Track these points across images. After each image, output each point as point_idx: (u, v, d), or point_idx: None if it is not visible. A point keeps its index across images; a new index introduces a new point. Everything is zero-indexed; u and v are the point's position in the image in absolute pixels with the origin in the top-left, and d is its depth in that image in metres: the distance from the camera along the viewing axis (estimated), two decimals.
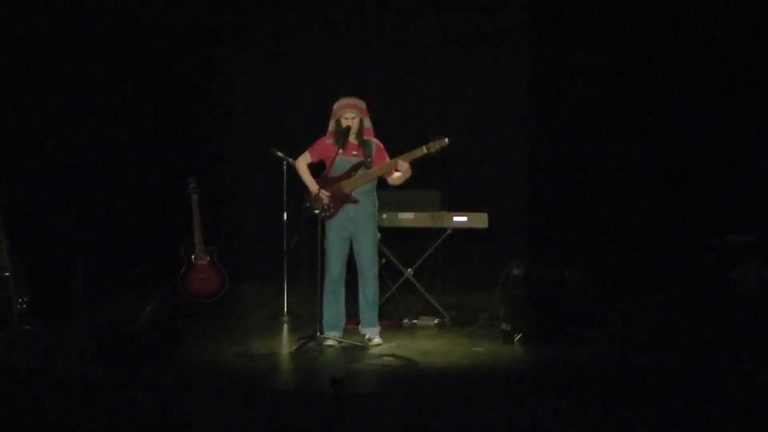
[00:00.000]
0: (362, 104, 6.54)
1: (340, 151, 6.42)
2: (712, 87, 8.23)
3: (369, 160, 6.49)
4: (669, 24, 8.33)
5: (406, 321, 7.33)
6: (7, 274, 6.94)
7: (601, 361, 6.02)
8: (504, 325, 6.66)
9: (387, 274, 7.34)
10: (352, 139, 6.47)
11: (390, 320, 7.20)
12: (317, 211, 6.38)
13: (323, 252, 6.46)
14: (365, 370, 5.91)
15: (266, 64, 9.00)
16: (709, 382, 5.49)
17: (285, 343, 6.75)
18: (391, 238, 7.44)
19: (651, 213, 8.36)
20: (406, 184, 6.66)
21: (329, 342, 6.44)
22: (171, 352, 6.02)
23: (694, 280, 7.79)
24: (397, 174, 6.51)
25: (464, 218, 7.41)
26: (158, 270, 8.26)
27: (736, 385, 5.39)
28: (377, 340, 6.57)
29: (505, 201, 8.65)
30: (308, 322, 7.06)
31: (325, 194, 6.40)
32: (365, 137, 6.52)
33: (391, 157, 6.52)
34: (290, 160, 7.12)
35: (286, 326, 7.33)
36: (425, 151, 6.37)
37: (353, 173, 6.49)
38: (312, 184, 6.51)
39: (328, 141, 6.54)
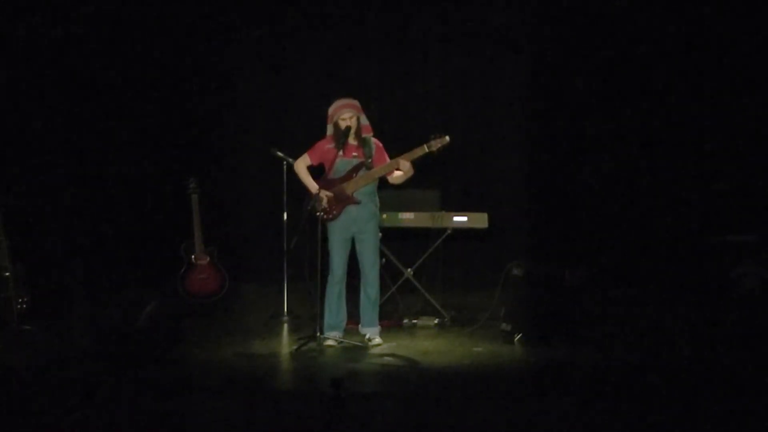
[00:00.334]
0: (356, 103, 6.53)
1: (340, 153, 6.42)
2: (712, 87, 8.23)
3: (369, 160, 6.49)
4: (669, 23, 8.33)
5: (406, 321, 7.32)
6: (7, 274, 6.93)
7: (601, 361, 6.01)
8: (504, 325, 6.66)
9: (387, 274, 7.34)
10: (351, 139, 6.47)
11: (390, 320, 7.20)
12: (319, 213, 6.38)
13: (324, 253, 6.46)
14: (365, 370, 5.91)
15: (266, 64, 9.00)
16: (709, 382, 5.49)
17: (285, 343, 6.75)
18: (391, 238, 7.44)
19: (651, 213, 8.36)
20: (407, 184, 6.65)
21: (329, 342, 6.44)
22: (171, 352, 6.02)
23: (694, 280, 7.80)
24: (398, 173, 6.50)
25: (464, 218, 7.41)
26: (158, 270, 8.26)
27: (736, 385, 5.39)
28: (377, 340, 6.57)
29: (505, 201, 8.66)
30: (308, 322, 7.07)
31: (325, 194, 6.40)
32: (364, 135, 6.52)
33: (391, 156, 6.52)
34: (290, 160, 7.12)
35: (286, 326, 7.33)
36: (426, 149, 6.36)
37: (354, 174, 6.49)
38: (312, 185, 6.51)
39: (327, 145, 6.53)
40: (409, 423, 4.84)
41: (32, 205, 7.99)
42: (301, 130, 8.12)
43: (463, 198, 8.36)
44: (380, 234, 6.74)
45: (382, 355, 6.29)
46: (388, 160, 6.51)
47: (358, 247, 6.56)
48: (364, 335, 6.61)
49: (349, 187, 6.47)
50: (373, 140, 6.58)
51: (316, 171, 6.61)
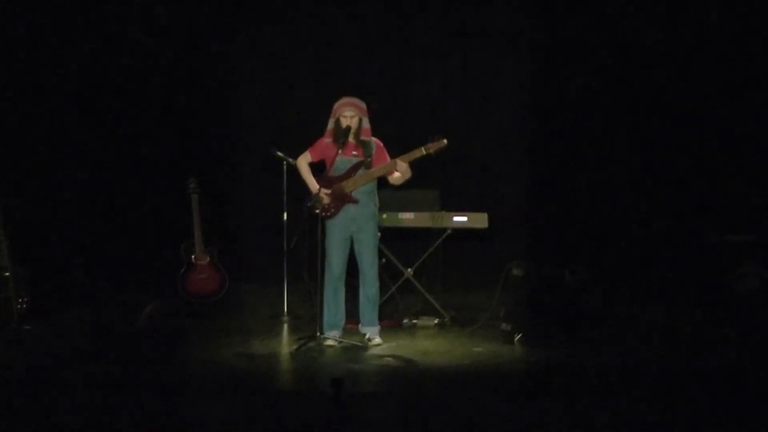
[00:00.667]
0: (362, 104, 6.54)
1: (340, 151, 6.42)
2: (712, 87, 8.23)
3: (369, 160, 6.49)
4: (669, 23, 8.33)
5: (406, 321, 7.32)
6: (7, 274, 6.93)
7: (601, 361, 6.01)
8: (504, 325, 6.66)
9: (387, 274, 7.34)
10: (350, 138, 6.47)
11: (390, 320, 7.20)
12: (318, 211, 6.39)
13: (323, 252, 6.46)
14: (365, 370, 5.91)
15: (266, 64, 8.99)
16: (708, 382, 5.49)
17: (285, 343, 6.75)
18: (391, 238, 7.44)
19: (651, 213, 8.36)
20: (406, 184, 6.66)
21: (329, 342, 6.44)
22: (171, 352, 6.02)
23: (694, 280, 7.80)
24: (397, 174, 6.51)
25: (464, 218, 7.41)
26: (158, 270, 8.25)
27: (736, 385, 5.39)
28: (377, 340, 6.57)
29: (505, 201, 8.65)
30: (308, 322, 7.06)
31: (325, 193, 6.41)
32: (363, 137, 6.52)
33: (392, 156, 6.53)
34: (290, 160, 7.12)
35: (286, 326, 7.33)
36: (424, 152, 6.37)
37: (353, 173, 6.50)
38: (313, 183, 6.52)
39: (327, 140, 6.55)
40: (409, 423, 4.84)
41: (32, 205, 7.99)
42: (301, 130, 8.10)
43: (463, 198, 8.35)
44: (379, 234, 6.74)
45: (382, 355, 6.30)
46: (388, 159, 6.51)
47: (356, 246, 6.56)
48: (364, 335, 6.61)
49: (347, 186, 6.48)
50: (374, 140, 6.58)
51: (318, 169, 6.61)
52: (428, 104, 8.85)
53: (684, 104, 8.30)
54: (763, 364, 5.88)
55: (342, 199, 6.47)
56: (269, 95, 9.00)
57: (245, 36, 8.94)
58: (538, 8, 8.68)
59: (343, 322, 6.63)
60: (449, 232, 7.45)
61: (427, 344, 6.63)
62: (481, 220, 7.40)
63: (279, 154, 7.44)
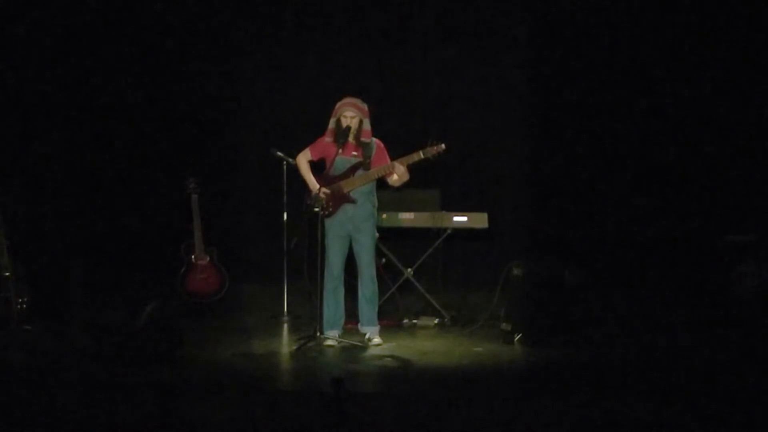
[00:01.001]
0: (364, 106, 6.54)
1: (340, 150, 6.43)
2: (712, 87, 8.23)
3: (368, 161, 6.50)
4: (669, 24, 8.33)
5: (406, 321, 7.33)
6: (7, 274, 6.94)
7: (601, 361, 6.01)
8: (504, 325, 6.66)
9: (387, 274, 7.34)
10: (350, 139, 6.48)
11: (390, 320, 7.20)
12: (317, 210, 6.40)
13: (323, 251, 6.47)
14: (365, 370, 5.92)
15: (266, 64, 8.99)
16: (708, 382, 5.49)
17: (285, 343, 6.75)
18: (391, 238, 7.44)
19: (651, 213, 8.36)
20: (406, 185, 6.66)
21: (329, 342, 6.45)
22: (171, 352, 6.02)
23: (694, 280, 7.80)
24: (394, 177, 6.51)
25: (464, 218, 7.42)
26: (158, 270, 8.25)
27: (736, 385, 5.39)
28: (377, 339, 6.57)
29: (505, 201, 8.65)
30: (308, 322, 7.06)
31: (325, 192, 6.42)
32: (363, 139, 6.52)
33: (392, 158, 6.53)
34: (290, 160, 7.12)
35: (286, 326, 7.33)
36: (422, 155, 6.39)
37: (352, 174, 6.50)
38: (312, 182, 6.53)
39: (327, 139, 6.55)
40: (409, 423, 4.84)
41: (32, 205, 7.98)
42: (301, 130, 8.10)
43: (463, 198, 8.35)
44: (377, 234, 6.75)
45: (382, 355, 6.30)
46: (389, 160, 6.52)
47: (354, 246, 6.57)
48: (364, 334, 6.61)
49: (346, 186, 6.49)
50: (376, 141, 6.58)
51: (318, 168, 6.62)
52: (428, 104, 8.85)
53: (684, 104, 8.30)
54: (763, 364, 5.88)
55: (340, 199, 6.48)
56: (269, 95, 8.99)
57: (245, 36, 8.93)
58: (538, 8, 8.68)
59: (342, 321, 6.64)
60: (449, 232, 7.45)
61: (427, 344, 6.63)
62: (481, 220, 7.40)
63: (279, 154, 7.45)
